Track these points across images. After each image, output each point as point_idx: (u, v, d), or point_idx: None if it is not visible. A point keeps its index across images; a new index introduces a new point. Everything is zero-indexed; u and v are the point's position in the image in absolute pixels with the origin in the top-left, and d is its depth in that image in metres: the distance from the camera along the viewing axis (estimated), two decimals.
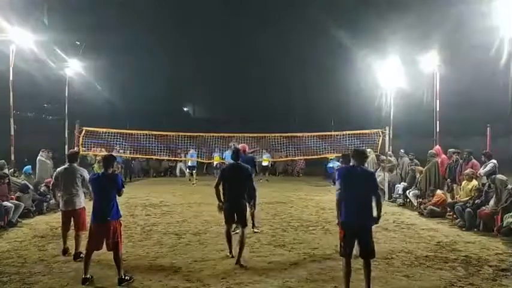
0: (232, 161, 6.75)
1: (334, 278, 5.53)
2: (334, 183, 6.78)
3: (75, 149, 14.84)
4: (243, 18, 34.22)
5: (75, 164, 6.85)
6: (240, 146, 9.02)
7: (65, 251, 6.67)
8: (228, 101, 36.64)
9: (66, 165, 6.79)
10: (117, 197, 5.55)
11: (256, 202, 7.82)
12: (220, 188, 6.49)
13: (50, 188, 11.51)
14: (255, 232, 8.21)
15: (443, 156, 11.55)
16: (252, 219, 8.23)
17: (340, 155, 18.47)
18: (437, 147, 12.35)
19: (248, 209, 6.76)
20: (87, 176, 6.84)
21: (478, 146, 12.59)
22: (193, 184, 17.84)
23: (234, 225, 6.66)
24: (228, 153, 16.90)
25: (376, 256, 5.09)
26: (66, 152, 16.04)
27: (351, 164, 5.19)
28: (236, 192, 6.44)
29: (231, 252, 6.51)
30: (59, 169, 6.89)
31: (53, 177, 7.04)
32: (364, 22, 26.90)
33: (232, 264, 6.13)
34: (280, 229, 8.66)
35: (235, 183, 6.46)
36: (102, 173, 5.64)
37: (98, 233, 5.38)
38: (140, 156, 20.17)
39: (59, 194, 6.80)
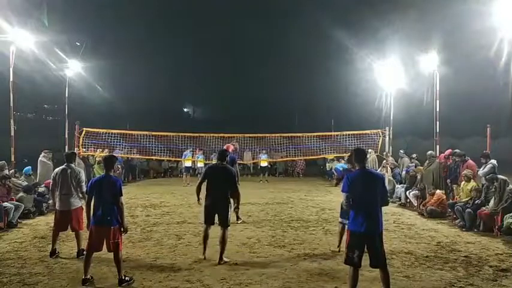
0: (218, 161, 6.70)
1: (334, 278, 5.54)
2: (337, 183, 6.72)
3: (75, 149, 14.87)
4: (243, 19, 34.28)
5: (73, 165, 6.87)
6: (225, 147, 9.37)
7: (53, 253, 6.56)
8: (228, 102, 36.68)
9: (63, 166, 6.80)
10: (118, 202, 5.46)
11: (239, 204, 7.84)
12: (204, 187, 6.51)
13: (50, 188, 11.54)
14: (239, 222, 8.96)
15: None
16: (236, 212, 8.78)
17: (340, 155, 18.63)
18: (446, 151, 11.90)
19: (230, 209, 6.64)
20: (83, 177, 6.83)
21: (478, 146, 12.58)
22: (188, 184, 17.17)
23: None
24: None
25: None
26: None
27: (357, 167, 4.93)
28: (218, 192, 6.37)
29: (204, 253, 6.41)
30: (56, 169, 6.90)
31: (51, 178, 7.04)
32: (364, 22, 26.98)
33: (232, 265, 6.14)
34: (280, 230, 8.66)
35: (218, 184, 6.38)
36: (104, 175, 5.63)
37: (97, 235, 5.37)
38: (140, 156, 20.14)
39: (56, 193, 6.76)
